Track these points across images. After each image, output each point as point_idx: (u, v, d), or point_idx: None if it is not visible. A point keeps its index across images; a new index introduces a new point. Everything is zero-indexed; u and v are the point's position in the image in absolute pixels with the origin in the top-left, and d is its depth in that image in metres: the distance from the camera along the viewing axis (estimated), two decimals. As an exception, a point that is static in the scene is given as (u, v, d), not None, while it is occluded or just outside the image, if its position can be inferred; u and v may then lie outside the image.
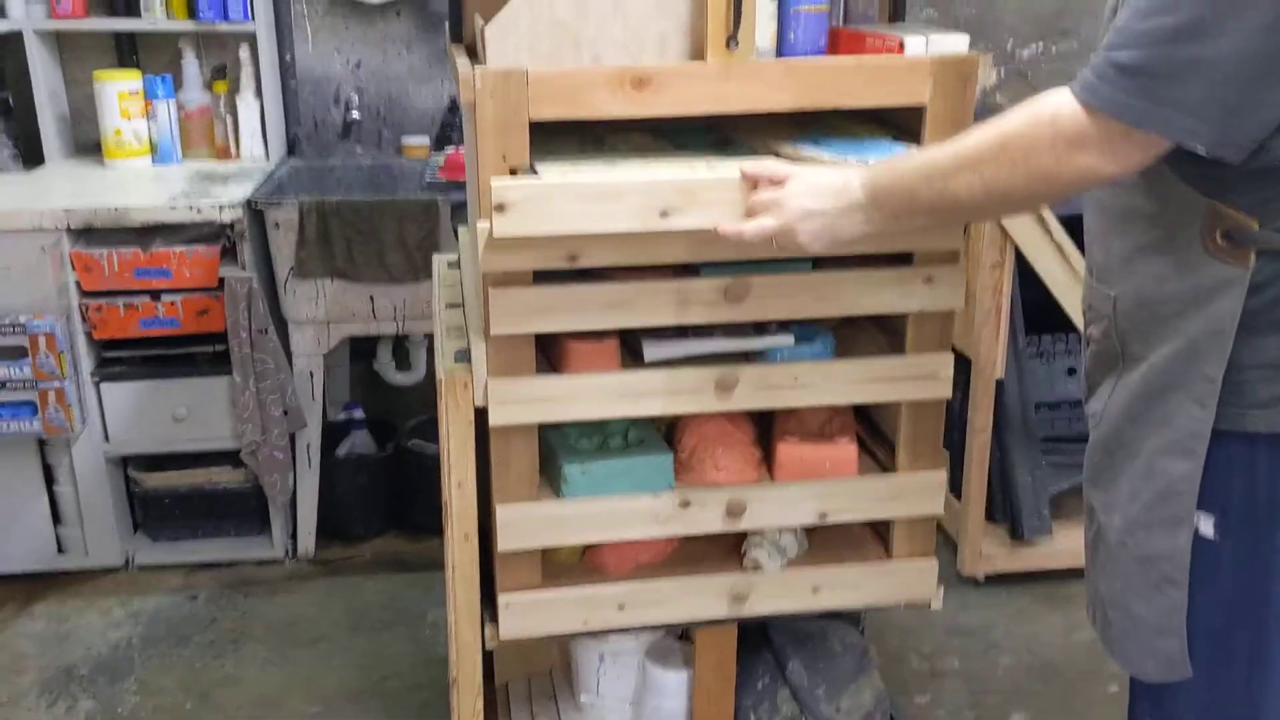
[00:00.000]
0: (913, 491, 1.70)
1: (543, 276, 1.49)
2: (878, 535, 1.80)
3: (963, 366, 2.49)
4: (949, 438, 2.14)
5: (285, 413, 2.59)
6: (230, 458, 2.68)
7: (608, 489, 1.65)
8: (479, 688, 1.72)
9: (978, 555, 2.61)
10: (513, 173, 1.44)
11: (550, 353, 1.62)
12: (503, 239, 1.41)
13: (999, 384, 2.55)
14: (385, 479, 2.85)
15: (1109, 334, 1.29)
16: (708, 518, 1.66)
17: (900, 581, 1.76)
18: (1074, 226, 2.19)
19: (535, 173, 1.42)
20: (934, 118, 1.52)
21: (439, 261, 2.14)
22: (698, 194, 1.38)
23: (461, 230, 2.11)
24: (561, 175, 1.39)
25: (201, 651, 2.42)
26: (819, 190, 1.32)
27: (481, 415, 1.57)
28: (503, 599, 1.66)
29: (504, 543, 1.62)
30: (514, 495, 1.61)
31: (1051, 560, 2.61)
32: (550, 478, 1.67)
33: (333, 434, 2.89)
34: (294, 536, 2.78)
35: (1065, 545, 2.59)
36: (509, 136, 1.44)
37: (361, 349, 3.04)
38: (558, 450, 1.67)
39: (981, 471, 2.59)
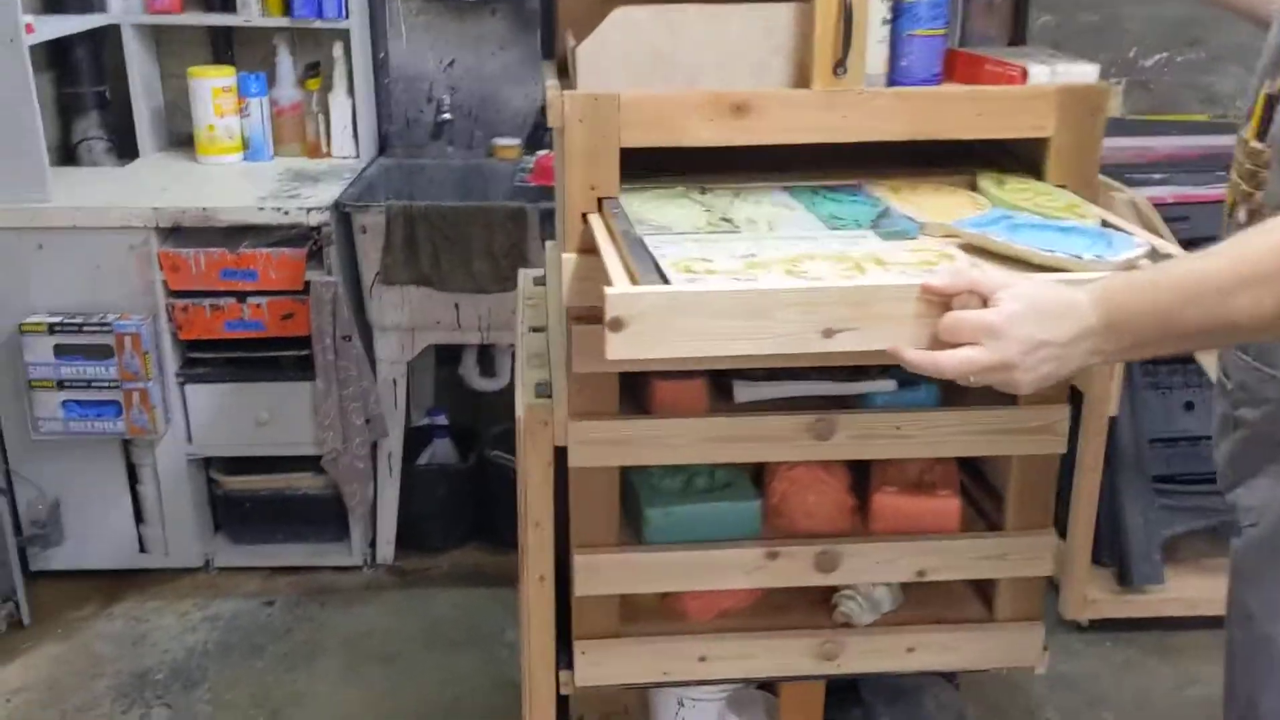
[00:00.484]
0: (1020, 552, 1.59)
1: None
2: (979, 591, 1.69)
3: (1074, 398, 2.35)
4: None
5: (367, 421, 2.56)
6: (311, 463, 2.66)
7: (691, 534, 1.58)
8: (551, 734, 1.66)
9: (1082, 600, 2.47)
10: (600, 205, 1.37)
11: (636, 390, 1.55)
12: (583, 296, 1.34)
13: (1111, 419, 2.40)
14: (467, 490, 2.82)
15: (1275, 420, 1.16)
16: (797, 569, 1.57)
17: (1002, 644, 1.65)
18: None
19: (619, 207, 1.33)
20: (1059, 151, 1.40)
21: (524, 277, 2.08)
22: (874, 305, 1.05)
23: (550, 245, 2.04)
24: (668, 228, 1.26)
25: (275, 664, 2.40)
26: (1044, 312, 1.00)
27: (561, 452, 1.51)
28: (579, 646, 1.59)
29: (581, 588, 1.55)
30: (593, 539, 1.54)
31: (1162, 608, 2.47)
32: (631, 518, 1.59)
33: (415, 439, 2.86)
34: (373, 544, 2.76)
35: (1178, 593, 2.45)
36: (598, 164, 1.36)
37: (447, 354, 3.00)
38: (639, 490, 1.59)
39: (1090, 511, 2.45)
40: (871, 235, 1.25)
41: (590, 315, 1.43)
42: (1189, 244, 2.32)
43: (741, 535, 1.59)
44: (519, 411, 1.51)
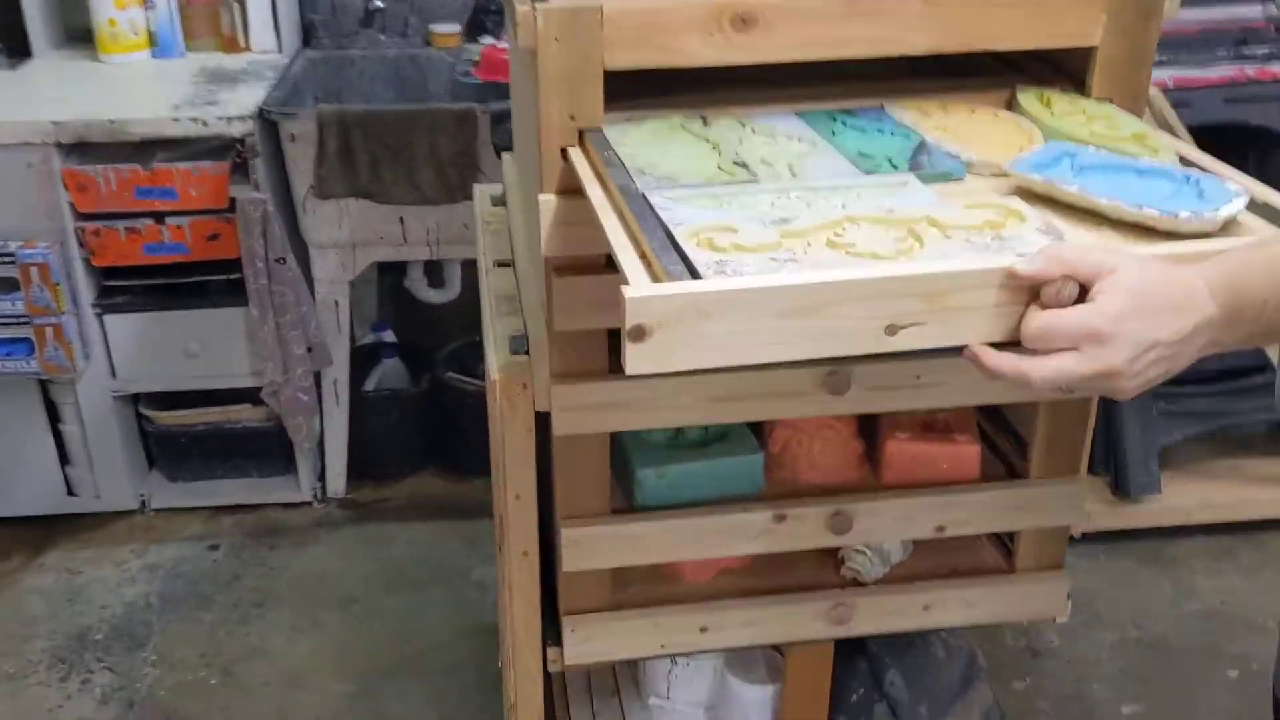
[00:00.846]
0: (1048, 502, 1.47)
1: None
2: (996, 538, 1.57)
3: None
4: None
5: (309, 349, 2.36)
6: (250, 394, 2.46)
7: (688, 495, 1.43)
8: (540, 714, 1.53)
9: (1076, 511, 2.38)
10: (581, 137, 1.17)
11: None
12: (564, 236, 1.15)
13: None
14: (421, 415, 2.64)
15: None
16: (807, 532, 1.43)
17: (1024, 597, 1.54)
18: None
19: (610, 148, 1.13)
20: (1106, 62, 1.23)
21: (480, 196, 1.87)
22: (949, 296, 0.85)
23: (507, 159, 1.83)
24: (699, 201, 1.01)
25: (224, 615, 2.24)
26: (1158, 306, 0.82)
27: (542, 417, 1.34)
28: (568, 623, 1.45)
29: (569, 563, 1.40)
30: (581, 510, 1.39)
31: (1158, 518, 2.39)
32: (620, 478, 1.44)
33: (361, 360, 2.66)
34: (322, 478, 2.59)
35: (1173, 502, 2.36)
36: (579, 90, 1.16)
37: (391, 265, 2.78)
38: (629, 449, 1.44)
39: (1084, 419, 2.34)
40: (913, 180, 1.06)
41: (572, 265, 1.25)
42: (1193, 130, 2.18)
43: (742, 493, 1.45)
44: (491, 372, 1.34)
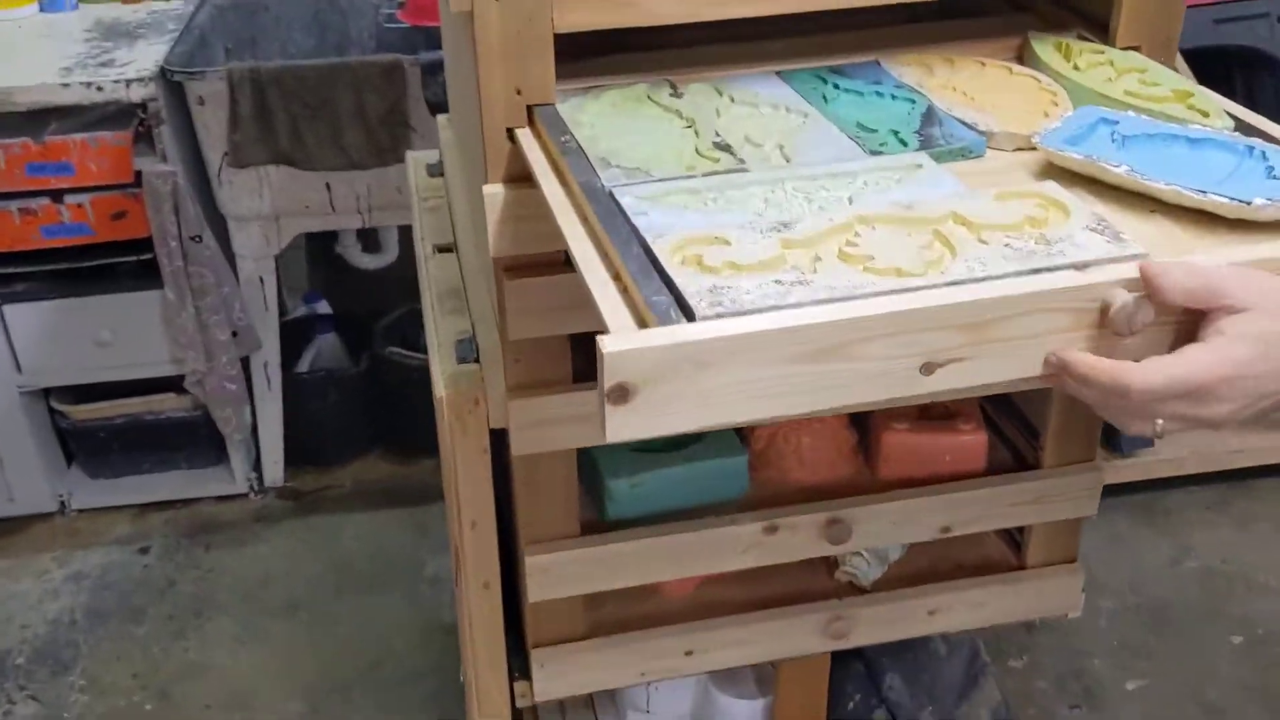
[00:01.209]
0: (1062, 494, 1.33)
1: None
2: (1005, 532, 1.44)
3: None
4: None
5: (234, 334, 2.17)
6: (173, 382, 2.27)
7: (666, 503, 1.29)
8: (508, 752, 1.38)
9: (1065, 468, 2.27)
10: (531, 115, 1.00)
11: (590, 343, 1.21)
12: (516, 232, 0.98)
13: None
14: (361, 394, 2.46)
15: None
16: (800, 544, 1.29)
17: (1036, 594, 1.41)
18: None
19: (568, 131, 0.96)
20: (1134, 2, 1.07)
21: (415, 165, 1.69)
22: (998, 326, 0.71)
23: (443, 121, 1.64)
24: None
25: (158, 629, 2.08)
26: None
27: (499, 433, 1.18)
28: (536, 656, 1.30)
29: (536, 592, 1.25)
30: (546, 533, 1.23)
31: (1150, 470, 2.27)
32: (588, 488, 1.29)
33: (293, 337, 2.47)
34: (258, 467, 2.41)
35: (1166, 454, 2.25)
36: (525, 60, 0.99)
37: (321, 233, 2.58)
38: (597, 456, 1.29)
39: (1072, 372, 2.21)
40: (927, 161, 0.90)
41: (526, 264, 1.08)
42: (1184, 55, 2.03)
43: (726, 498, 1.31)
44: (436, 386, 1.17)
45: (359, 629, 2.05)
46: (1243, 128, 0.92)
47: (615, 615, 1.34)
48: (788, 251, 0.77)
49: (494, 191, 1.02)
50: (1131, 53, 1.07)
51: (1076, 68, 1.04)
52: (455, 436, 1.17)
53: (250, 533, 2.30)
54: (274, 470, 2.41)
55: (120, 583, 2.18)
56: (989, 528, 1.35)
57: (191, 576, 2.20)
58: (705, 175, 0.89)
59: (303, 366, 2.46)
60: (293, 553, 2.24)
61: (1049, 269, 0.74)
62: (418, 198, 1.58)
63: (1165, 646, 1.96)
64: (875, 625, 1.37)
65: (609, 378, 0.66)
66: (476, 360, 1.18)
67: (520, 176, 1.01)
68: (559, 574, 1.24)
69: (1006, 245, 0.77)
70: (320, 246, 2.65)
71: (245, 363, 2.27)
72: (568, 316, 1.09)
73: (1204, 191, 0.81)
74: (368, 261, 2.64)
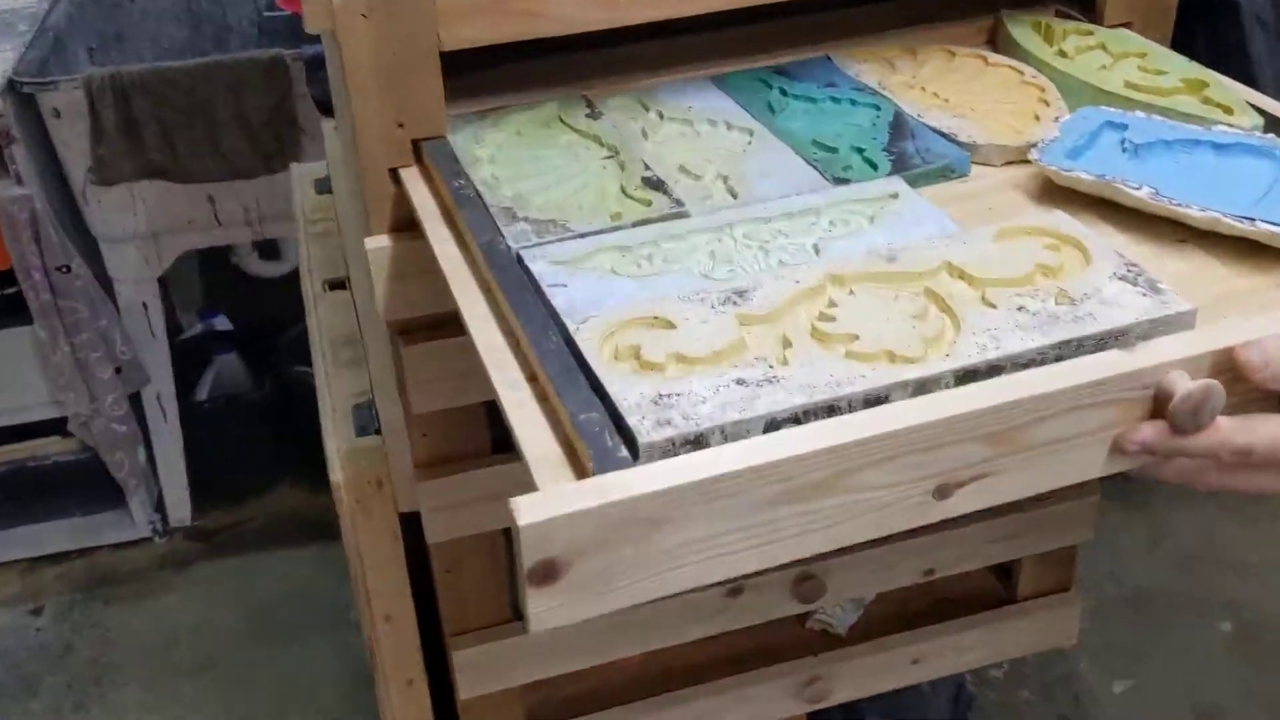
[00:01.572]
0: (1057, 522, 1.19)
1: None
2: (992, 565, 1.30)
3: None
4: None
5: (118, 370, 1.96)
6: (57, 425, 2.06)
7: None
8: None
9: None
10: (417, 150, 0.82)
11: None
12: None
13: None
14: (268, 420, 2.26)
15: None
16: (768, 604, 1.14)
17: (1029, 629, 1.28)
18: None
19: (464, 174, 0.79)
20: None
21: (301, 181, 1.50)
22: (1030, 432, 0.56)
23: (329, 131, 1.45)
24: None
25: (56, 701, 1.88)
26: None
27: (410, 515, 1.01)
28: (474, 756, 1.14)
29: (467, 688, 1.09)
30: (475, 621, 1.07)
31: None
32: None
33: (189, 359, 2.26)
34: (160, 507, 2.21)
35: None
36: (407, 87, 0.81)
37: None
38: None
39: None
40: (903, 188, 0.74)
41: (426, 324, 0.90)
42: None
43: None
44: (333, 470, 0.99)
45: (281, 685, 1.88)
46: (1274, 125, 0.78)
47: (560, 695, 1.19)
48: (748, 332, 0.61)
49: (379, 246, 0.85)
50: (1123, 31, 0.92)
51: (1063, 54, 0.89)
52: (358, 523, 1.00)
53: (156, 582, 2.11)
54: (179, 509, 2.21)
55: (11, 650, 1.98)
56: (978, 565, 1.21)
57: (91, 638, 2.00)
58: (635, 225, 0.72)
59: (201, 393, 2.26)
60: (203, 602, 2.05)
61: (1079, 341, 0.59)
62: (304, 220, 1.39)
63: (1152, 642, 1.85)
64: (856, 679, 1.23)
65: (529, 555, 0.49)
66: (378, 431, 1.01)
67: (410, 224, 0.83)
68: (493, 667, 1.08)
69: (1020, 309, 0.62)
70: (215, 255, 2.44)
71: (136, 397, 2.06)
72: (481, 382, 0.92)
73: (1251, 220, 0.67)
74: (267, 270, 2.44)
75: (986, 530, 1.17)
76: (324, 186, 1.45)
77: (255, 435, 2.26)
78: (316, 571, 2.10)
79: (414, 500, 0.98)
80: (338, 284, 1.25)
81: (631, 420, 0.55)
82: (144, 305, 2.05)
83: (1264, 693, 1.76)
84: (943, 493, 0.56)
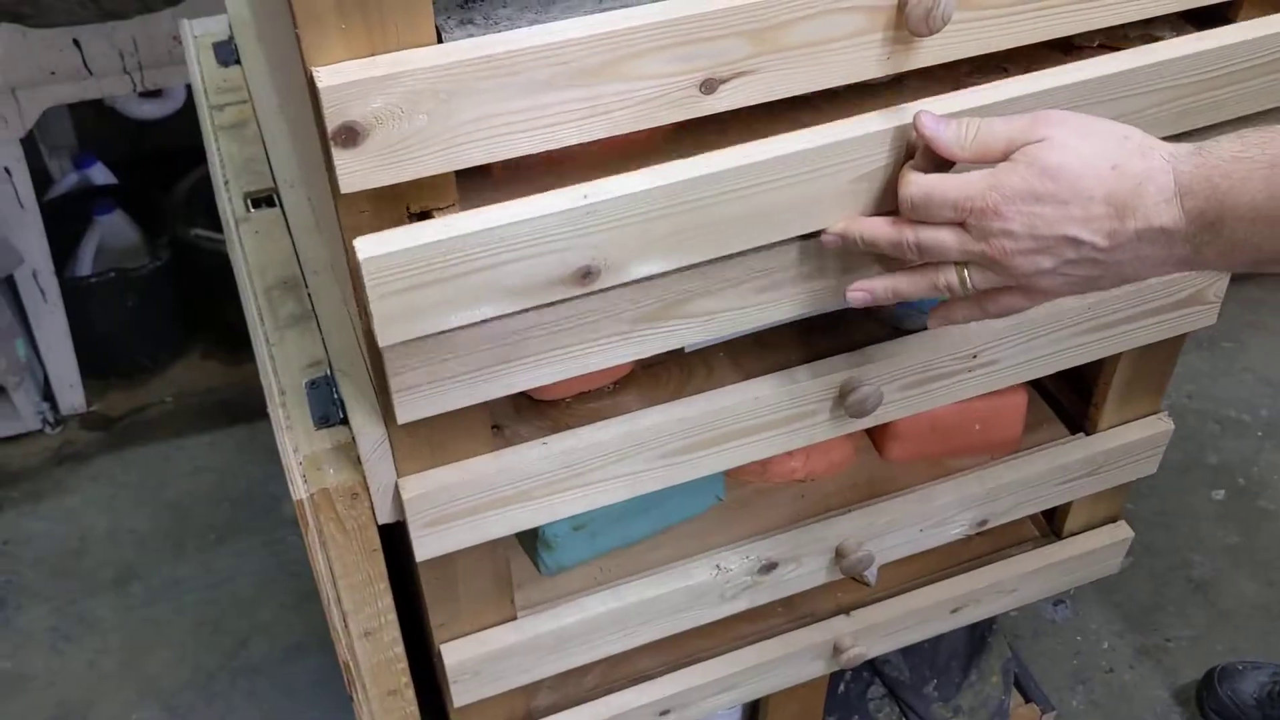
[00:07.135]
0: (1121, 457, 1.05)
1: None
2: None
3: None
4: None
5: (-17, 252, 1.69)
6: (-82, 312, 1.79)
7: (621, 540, 0.96)
8: None
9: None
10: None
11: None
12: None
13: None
14: (167, 289, 2.00)
15: None
16: (803, 575, 0.99)
17: (1074, 565, 1.15)
18: None
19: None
20: None
21: (195, 45, 1.22)
22: (789, 31, 0.62)
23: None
24: None
25: (-47, 632, 1.69)
26: (1083, 195, 0.62)
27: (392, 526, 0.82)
28: (471, 760, 0.99)
29: (461, 695, 0.93)
30: (469, 624, 0.90)
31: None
32: (520, 538, 0.96)
33: (67, 219, 1.97)
34: (50, 396, 1.96)
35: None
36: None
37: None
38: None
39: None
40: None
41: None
42: None
43: (696, 513, 1.00)
44: (294, 485, 0.78)
45: (213, 598, 1.70)
46: None
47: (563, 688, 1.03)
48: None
49: (369, 251, 0.62)
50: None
51: None
52: (330, 543, 0.80)
53: (53, 481, 1.89)
54: (71, 395, 1.97)
55: (-105, 572, 1.77)
56: (1035, 510, 1.07)
57: (-14, 553, 1.79)
58: None
59: (84, 265, 1.98)
60: (112, 502, 1.85)
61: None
62: (208, 106, 1.12)
63: (1144, 515, 1.77)
64: (889, 634, 1.10)
65: (331, 118, 0.56)
66: (344, 420, 0.80)
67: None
68: (489, 671, 0.92)
69: None
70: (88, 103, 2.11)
71: (10, 281, 1.79)
72: (480, 381, 0.71)
73: None
74: (148, 110, 2.13)
75: (1045, 473, 1.03)
76: (227, 56, 1.17)
77: (152, 308, 2.00)
78: (239, 459, 1.90)
79: (397, 508, 0.79)
80: (259, 196, 1.01)
81: (437, 19, 0.58)
82: (6, 171, 1.75)
83: (1256, 564, 1.69)
84: (709, 87, 0.62)
